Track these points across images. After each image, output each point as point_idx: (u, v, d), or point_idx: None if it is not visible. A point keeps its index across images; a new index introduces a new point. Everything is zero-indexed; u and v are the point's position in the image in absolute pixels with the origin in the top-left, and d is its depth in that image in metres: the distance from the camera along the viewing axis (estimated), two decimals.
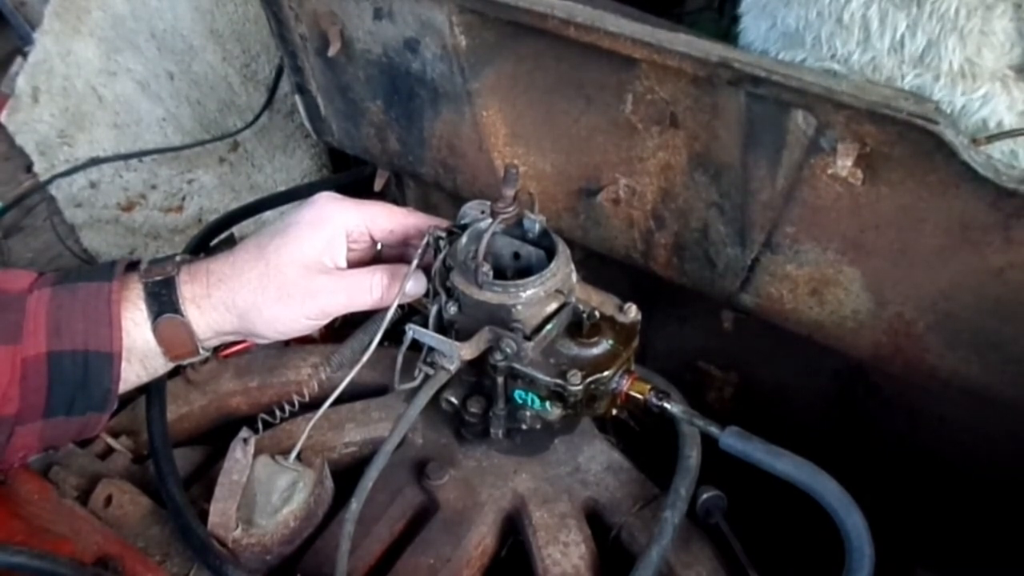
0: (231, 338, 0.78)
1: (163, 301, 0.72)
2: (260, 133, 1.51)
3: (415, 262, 0.76)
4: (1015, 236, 0.66)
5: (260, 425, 0.85)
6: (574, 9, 0.76)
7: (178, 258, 0.75)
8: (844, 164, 0.69)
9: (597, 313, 0.75)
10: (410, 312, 0.81)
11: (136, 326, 0.71)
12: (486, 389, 0.80)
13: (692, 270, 0.90)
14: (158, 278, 0.73)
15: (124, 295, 0.72)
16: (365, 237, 0.80)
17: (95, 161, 1.53)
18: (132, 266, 0.75)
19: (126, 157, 1.54)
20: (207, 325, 0.74)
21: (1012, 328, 0.71)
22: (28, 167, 1.57)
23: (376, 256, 0.83)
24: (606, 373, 0.73)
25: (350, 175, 1.32)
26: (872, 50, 0.72)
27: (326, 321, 0.78)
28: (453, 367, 0.74)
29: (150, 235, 1.61)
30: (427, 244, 0.77)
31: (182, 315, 0.72)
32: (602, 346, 0.74)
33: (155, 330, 0.72)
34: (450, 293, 0.76)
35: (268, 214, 1.24)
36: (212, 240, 1.10)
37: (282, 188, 1.51)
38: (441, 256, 0.77)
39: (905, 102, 0.64)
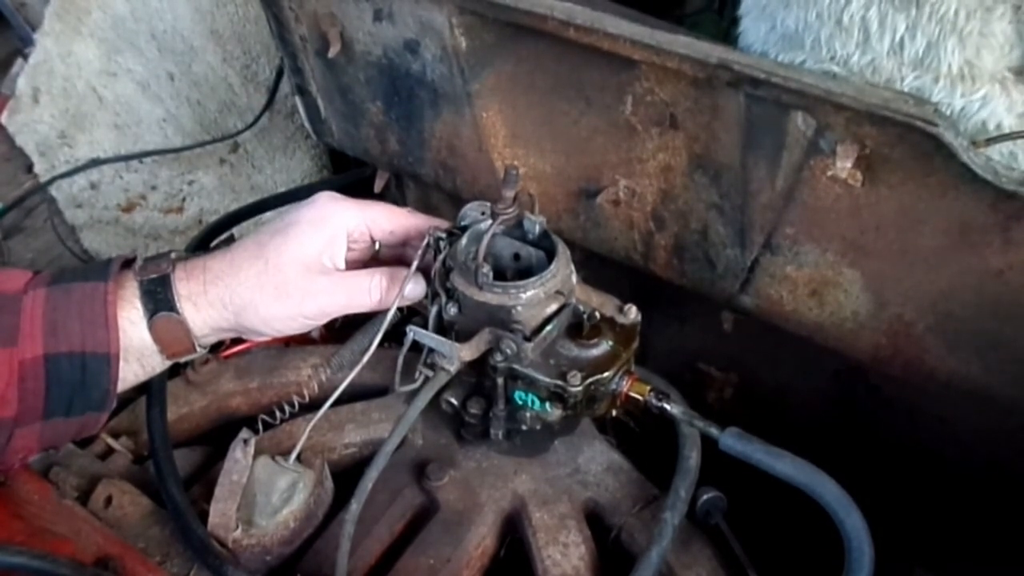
0: (228, 335, 0.78)
1: (159, 299, 0.71)
2: (260, 134, 1.51)
3: (415, 264, 0.76)
4: (1014, 238, 0.66)
5: (260, 426, 0.85)
6: (574, 11, 0.76)
7: (173, 255, 0.74)
8: (844, 166, 0.69)
9: (597, 314, 0.75)
10: (410, 314, 0.81)
11: (132, 325, 0.71)
12: (486, 390, 0.80)
13: (692, 271, 0.90)
14: (154, 276, 0.72)
15: (120, 294, 0.71)
16: (365, 237, 0.80)
17: (95, 162, 1.53)
18: (128, 263, 0.74)
19: (126, 158, 1.54)
20: (203, 322, 0.73)
21: (1012, 329, 0.71)
22: (28, 168, 1.57)
23: (374, 256, 0.83)
24: (606, 374, 0.73)
25: (350, 176, 1.32)
26: (872, 52, 0.72)
27: (324, 321, 0.78)
28: (453, 368, 0.74)
29: (150, 236, 1.61)
30: (427, 245, 0.77)
31: (178, 313, 0.71)
32: (602, 347, 0.74)
33: (151, 328, 0.71)
34: (450, 294, 0.76)
35: (268, 215, 1.24)
36: (212, 241, 1.10)
37: (282, 189, 1.50)
38: (441, 257, 0.77)
39: (905, 104, 0.64)
